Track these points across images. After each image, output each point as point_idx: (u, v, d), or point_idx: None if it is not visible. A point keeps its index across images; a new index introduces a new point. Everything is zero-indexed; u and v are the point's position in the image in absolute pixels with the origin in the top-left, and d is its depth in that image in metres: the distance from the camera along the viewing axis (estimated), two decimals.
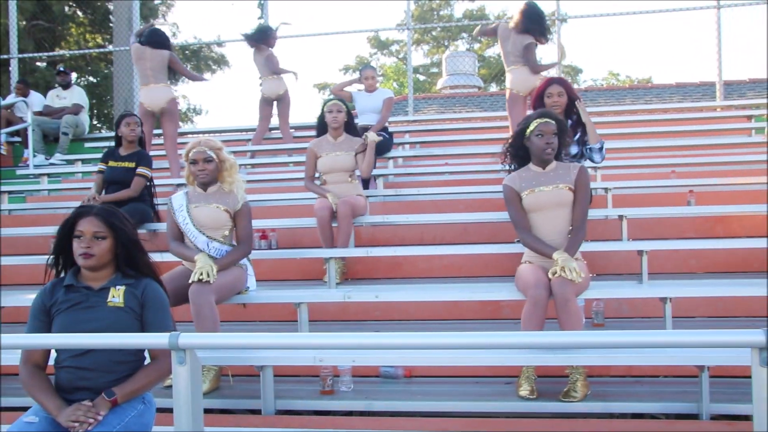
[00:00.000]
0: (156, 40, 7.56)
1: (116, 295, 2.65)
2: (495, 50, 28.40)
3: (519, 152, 4.09)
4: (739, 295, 4.39)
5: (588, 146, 5.04)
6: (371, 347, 3.24)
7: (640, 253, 4.57)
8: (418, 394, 3.83)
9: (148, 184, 5.78)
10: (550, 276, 3.69)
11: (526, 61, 6.78)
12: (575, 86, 20.96)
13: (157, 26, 8.50)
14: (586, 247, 4.06)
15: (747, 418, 2.25)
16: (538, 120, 3.95)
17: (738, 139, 7.90)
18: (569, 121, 5.01)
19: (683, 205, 5.79)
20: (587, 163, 5.02)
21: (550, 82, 5.15)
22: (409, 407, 3.67)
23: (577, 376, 3.57)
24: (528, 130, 3.97)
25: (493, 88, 24.20)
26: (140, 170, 5.66)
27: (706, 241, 5.10)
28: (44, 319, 2.65)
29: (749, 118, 8.57)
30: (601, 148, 5.04)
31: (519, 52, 6.65)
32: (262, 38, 8.59)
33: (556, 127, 3.94)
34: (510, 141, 4.19)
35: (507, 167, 4.25)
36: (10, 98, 9.96)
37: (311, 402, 3.75)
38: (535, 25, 6.66)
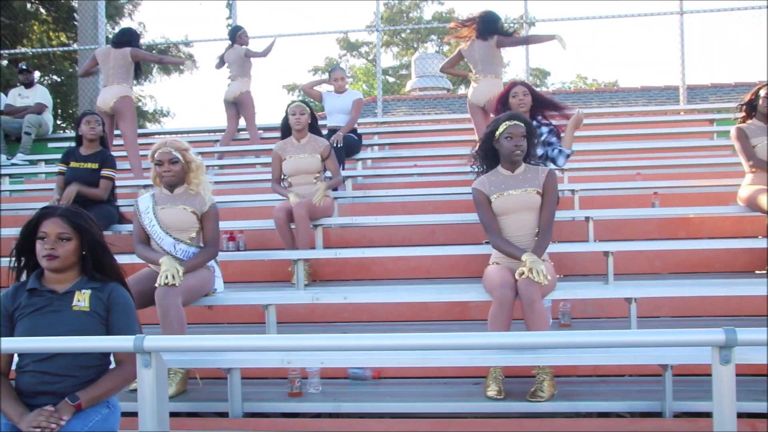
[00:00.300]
0: (120, 39, 7.44)
1: (81, 299, 2.60)
2: None
3: (488, 154, 4.12)
4: (701, 295, 4.48)
5: (558, 147, 5.10)
6: (339, 349, 3.23)
7: (606, 254, 4.63)
8: (387, 395, 3.83)
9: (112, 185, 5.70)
10: (516, 277, 3.72)
11: (514, 42, 6.84)
12: (542, 89, 21.20)
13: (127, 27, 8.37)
14: (553, 248, 4.11)
15: (708, 415, 2.29)
16: (508, 122, 3.98)
17: (701, 143, 8.05)
18: (534, 122, 5.08)
19: (648, 206, 5.89)
20: (549, 165, 5.08)
21: (515, 83, 5.24)
22: (377, 408, 3.67)
23: (543, 376, 3.60)
24: (497, 132, 4.00)
25: (462, 90, 24.36)
26: (106, 172, 5.54)
27: (670, 243, 5.18)
28: (7, 324, 2.59)
29: (711, 121, 8.73)
30: (568, 155, 5.13)
31: (489, 58, 6.63)
32: (231, 36, 8.60)
33: (525, 129, 3.97)
34: (479, 143, 4.22)
35: (476, 169, 4.27)
36: None
37: (279, 404, 3.73)
38: (496, 24, 6.69)
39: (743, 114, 5.23)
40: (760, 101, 5.08)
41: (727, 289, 4.28)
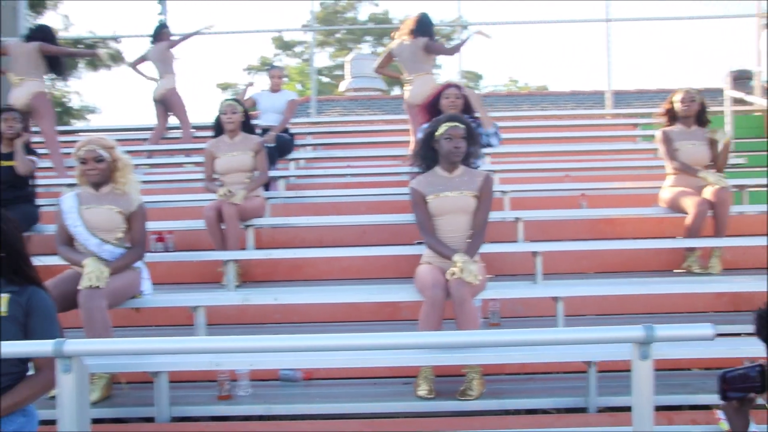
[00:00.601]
0: (31, 35, 7.13)
1: None
2: None
3: (428, 154, 4.14)
4: (623, 293, 4.62)
5: (484, 133, 5.18)
6: (270, 350, 3.20)
7: (534, 254, 4.72)
8: (317, 396, 3.82)
9: (31, 183, 5.47)
10: (448, 277, 3.76)
11: (440, 50, 6.96)
12: (475, 92, 21.42)
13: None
14: (484, 248, 4.17)
15: (629, 409, 2.37)
16: (448, 123, 4.02)
17: (625, 146, 8.31)
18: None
19: (576, 207, 6.05)
20: (488, 150, 5.16)
21: (448, 86, 5.29)
22: (308, 410, 3.66)
23: (473, 375, 3.65)
24: (437, 133, 4.04)
25: (397, 91, 24.47)
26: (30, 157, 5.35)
27: (596, 243, 5.33)
28: None
29: (635, 126, 9.04)
30: (496, 132, 5.24)
31: (419, 57, 6.70)
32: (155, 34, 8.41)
33: (464, 131, 4.02)
34: (419, 143, 4.24)
35: (415, 170, 4.30)
36: None
37: (208, 407, 3.67)
38: (429, 28, 6.79)
39: (666, 120, 5.44)
40: (677, 106, 5.30)
41: (648, 288, 4.43)
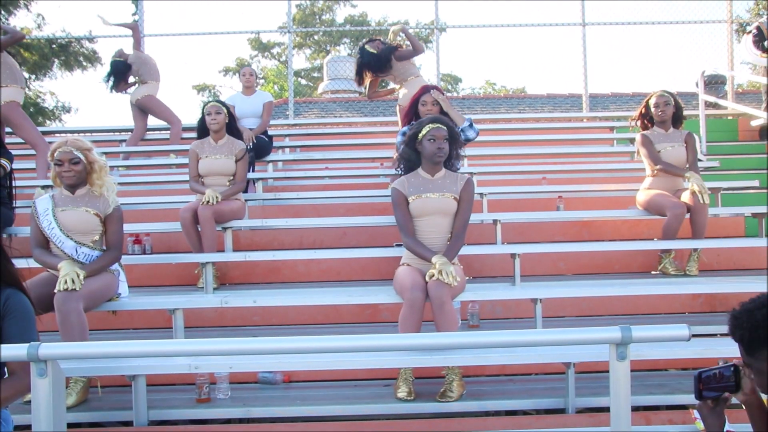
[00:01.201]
0: None
1: None
2: None
3: (410, 156, 4.15)
4: (601, 295, 4.66)
5: (459, 128, 5.21)
6: (249, 353, 3.19)
7: (513, 256, 4.74)
8: (297, 399, 3.80)
9: (9, 184, 5.38)
10: (427, 279, 3.77)
11: (408, 53, 7.09)
12: (453, 94, 21.58)
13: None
14: (463, 250, 4.18)
15: (608, 410, 2.39)
16: (431, 125, 4.04)
17: (602, 149, 8.38)
18: None
19: (553, 210, 6.09)
20: (466, 153, 5.19)
21: (424, 90, 5.31)
22: (287, 412, 3.64)
23: (453, 377, 3.66)
24: (420, 135, 4.05)
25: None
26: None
27: (573, 245, 5.37)
28: None
29: (611, 129, 9.12)
30: (470, 125, 5.27)
31: (400, 68, 7.00)
32: None
33: (447, 132, 4.04)
34: (402, 145, 4.25)
35: (398, 171, 4.31)
36: None
37: (187, 411, 3.64)
38: (382, 57, 7.04)
39: (641, 124, 5.49)
40: (653, 110, 5.35)
41: (625, 289, 4.47)
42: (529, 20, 10.73)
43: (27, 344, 2.19)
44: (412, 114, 5.21)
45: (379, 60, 7.01)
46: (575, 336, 2.55)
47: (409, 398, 3.64)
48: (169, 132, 8.30)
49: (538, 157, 8.07)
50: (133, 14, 10.52)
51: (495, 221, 5.33)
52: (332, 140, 8.93)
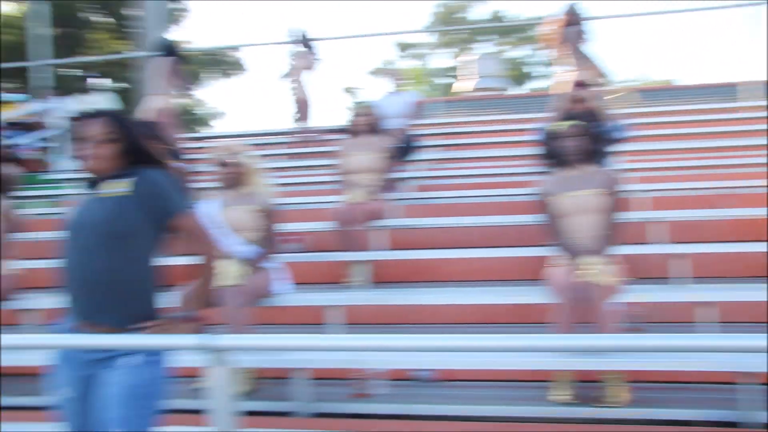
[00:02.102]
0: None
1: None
2: (520, 52, 28.31)
3: (552, 154, 4.05)
4: None
5: (610, 128, 5.00)
6: (405, 350, 3.21)
7: (679, 256, 4.48)
8: (451, 397, 3.80)
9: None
10: (579, 279, 3.64)
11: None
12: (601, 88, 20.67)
13: None
14: (622, 249, 4.00)
15: None
16: (565, 122, 3.94)
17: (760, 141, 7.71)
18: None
19: (712, 207, 5.70)
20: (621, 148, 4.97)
21: (574, 86, 5.15)
22: (443, 411, 3.66)
23: (614, 381, 3.51)
24: (557, 132, 3.95)
25: (519, 90, 24.11)
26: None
27: (744, 245, 4.99)
28: None
29: None
30: (621, 125, 5.07)
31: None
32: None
33: (583, 129, 3.90)
34: (542, 143, 4.16)
35: (542, 170, 4.21)
36: (41, 104, 10.09)
37: (346, 405, 3.75)
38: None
39: None
40: None
41: None
42: (700, 4, 10.06)
43: (200, 335, 2.32)
44: (564, 110, 5.07)
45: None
46: (750, 343, 2.35)
47: (567, 401, 3.53)
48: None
49: (691, 151, 7.57)
50: (282, 22, 10.91)
51: (655, 219, 5.07)
52: (478, 138, 8.84)
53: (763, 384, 3.46)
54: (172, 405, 2.63)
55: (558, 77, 6.75)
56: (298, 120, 8.56)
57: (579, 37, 6.50)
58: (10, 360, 4.11)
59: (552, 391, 3.62)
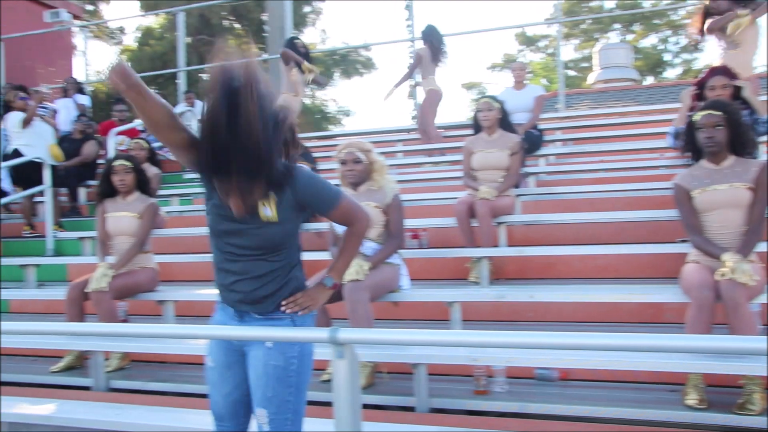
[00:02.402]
0: None
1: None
2: (651, 41, 27.08)
3: (693, 145, 3.86)
4: None
5: (761, 120, 4.70)
6: (527, 347, 3.18)
7: None
8: (574, 397, 3.72)
9: None
10: (717, 278, 3.46)
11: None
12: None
13: None
14: (762, 247, 3.76)
15: None
16: (702, 112, 3.73)
17: None
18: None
19: None
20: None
21: (713, 73, 4.83)
22: (564, 411, 3.57)
23: (753, 387, 3.31)
24: (697, 123, 3.75)
25: (651, 80, 23.07)
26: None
27: None
28: None
29: None
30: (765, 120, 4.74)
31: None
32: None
33: (722, 118, 3.68)
34: (683, 133, 3.97)
35: (679, 162, 4.02)
36: (180, 108, 10.70)
37: (465, 401, 3.75)
38: None
39: None
40: None
41: None
42: None
43: (329, 328, 2.39)
44: (698, 96, 4.80)
45: None
46: None
47: (699, 406, 3.36)
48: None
49: None
50: (406, 19, 10.97)
51: None
52: (606, 131, 8.55)
53: None
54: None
55: (701, 64, 6.40)
56: (423, 116, 8.59)
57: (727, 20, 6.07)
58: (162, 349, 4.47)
59: (684, 396, 3.46)
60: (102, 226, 5.06)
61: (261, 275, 2.40)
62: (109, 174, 5.04)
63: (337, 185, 2.56)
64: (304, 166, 2.49)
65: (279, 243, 2.39)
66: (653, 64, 25.62)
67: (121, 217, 4.99)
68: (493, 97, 5.70)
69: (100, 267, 4.77)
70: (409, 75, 8.71)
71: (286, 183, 2.29)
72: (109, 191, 5.07)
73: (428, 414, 3.68)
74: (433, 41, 8.50)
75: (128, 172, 5.01)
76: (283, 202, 2.34)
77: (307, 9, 24.24)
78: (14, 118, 7.85)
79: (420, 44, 8.96)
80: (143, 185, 5.12)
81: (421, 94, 8.70)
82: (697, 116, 3.72)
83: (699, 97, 4.79)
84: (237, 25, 23.97)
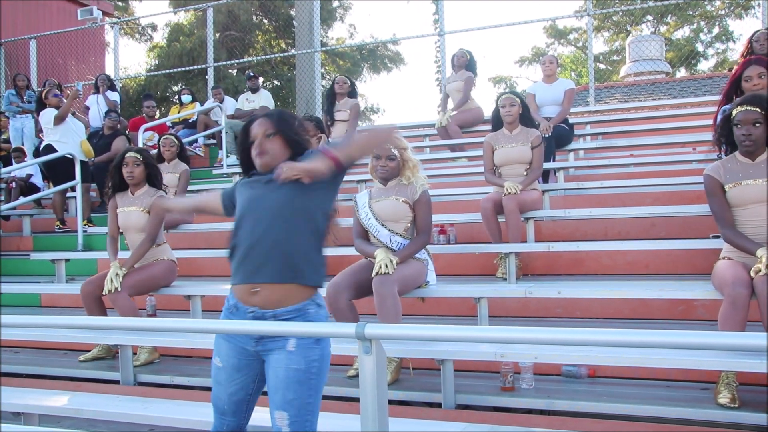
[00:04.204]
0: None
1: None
2: (683, 32, 26.63)
3: (727, 139, 3.77)
4: None
5: None
6: (554, 343, 3.13)
7: None
8: (603, 395, 3.67)
9: None
10: (752, 274, 3.38)
11: None
12: None
13: None
14: None
15: None
16: (740, 107, 3.62)
17: None
18: None
19: None
20: None
21: (748, 63, 4.70)
22: (592, 408, 3.53)
23: None
24: (731, 117, 3.66)
25: (682, 72, 22.68)
26: None
27: None
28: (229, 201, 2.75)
29: None
30: None
31: None
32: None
33: (761, 115, 3.57)
34: (718, 127, 3.88)
35: (718, 156, 3.92)
36: (208, 103, 10.77)
37: (491, 398, 3.72)
38: None
39: None
40: None
41: None
42: None
43: (356, 323, 2.38)
44: (733, 90, 4.68)
45: None
46: None
47: (732, 405, 3.30)
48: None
49: None
50: (434, 14, 10.89)
51: None
52: (636, 125, 8.42)
53: None
54: (325, 392, 2.74)
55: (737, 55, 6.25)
56: (452, 111, 8.52)
57: None
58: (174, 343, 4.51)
59: (716, 394, 3.39)
60: (114, 221, 5.07)
61: None
62: (120, 166, 5.03)
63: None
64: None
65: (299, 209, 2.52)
66: (685, 55, 25.18)
67: (130, 212, 5.00)
68: (515, 93, 5.63)
69: (111, 267, 4.79)
70: (465, 99, 8.58)
71: None
72: (120, 184, 5.07)
73: (454, 410, 3.66)
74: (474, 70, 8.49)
75: (138, 165, 4.98)
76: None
77: (335, 4, 24.24)
78: (48, 114, 7.97)
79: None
80: (153, 179, 5.11)
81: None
82: (736, 111, 3.63)
83: (734, 88, 4.68)
84: (265, 21, 24.07)
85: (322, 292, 2.70)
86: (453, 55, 8.63)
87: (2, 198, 8.89)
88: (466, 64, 8.46)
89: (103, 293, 4.73)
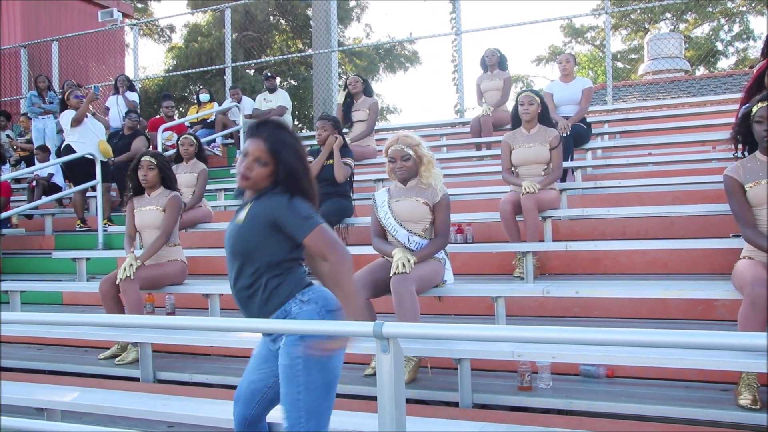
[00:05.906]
0: None
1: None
2: (703, 30, 26.40)
3: (746, 138, 3.74)
4: None
5: None
6: (572, 342, 3.13)
7: None
8: (621, 395, 3.65)
9: (350, 180, 5.98)
10: None
11: None
12: None
13: None
14: None
15: None
16: (761, 104, 3.59)
17: None
18: None
19: None
20: None
21: None
22: (610, 408, 3.51)
23: None
24: (751, 114, 3.63)
25: (702, 70, 22.48)
26: (345, 160, 5.88)
27: None
28: None
29: None
30: None
31: None
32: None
33: None
34: (736, 125, 3.84)
35: (736, 155, 3.89)
36: (226, 103, 10.83)
37: (509, 397, 3.72)
38: None
39: None
40: None
41: None
42: None
43: (373, 322, 2.39)
44: (755, 88, 4.63)
45: None
46: None
47: (753, 407, 3.27)
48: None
49: None
50: (451, 12, 10.85)
51: None
52: (655, 124, 8.36)
53: None
54: (342, 390, 2.75)
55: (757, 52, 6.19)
56: (489, 108, 8.49)
57: None
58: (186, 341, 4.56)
59: (737, 395, 3.36)
60: (131, 221, 5.29)
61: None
62: (137, 169, 5.22)
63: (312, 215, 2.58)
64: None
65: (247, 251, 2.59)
66: (705, 53, 24.94)
67: (147, 211, 5.20)
68: (534, 92, 5.60)
69: (127, 258, 4.97)
70: (506, 99, 8.56)
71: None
72: (139, 186, 5.25)
73: (472, 409, 3.66)
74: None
75: (151, 169, 5.18)
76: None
77: (352, 4, 24.27)
78: (68, 116, 8.07)
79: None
80: (167, 182, 5.28)
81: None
82: (757, 107, 3.59)
83: (756, 85, 4.64)
84: (282, 21, 24.16)
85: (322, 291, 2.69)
86: (482, 56, 8.60)
87: (25, 197, 9.01)
88: (497, 62, 8.50)
89: (116, 281, 4.88)
